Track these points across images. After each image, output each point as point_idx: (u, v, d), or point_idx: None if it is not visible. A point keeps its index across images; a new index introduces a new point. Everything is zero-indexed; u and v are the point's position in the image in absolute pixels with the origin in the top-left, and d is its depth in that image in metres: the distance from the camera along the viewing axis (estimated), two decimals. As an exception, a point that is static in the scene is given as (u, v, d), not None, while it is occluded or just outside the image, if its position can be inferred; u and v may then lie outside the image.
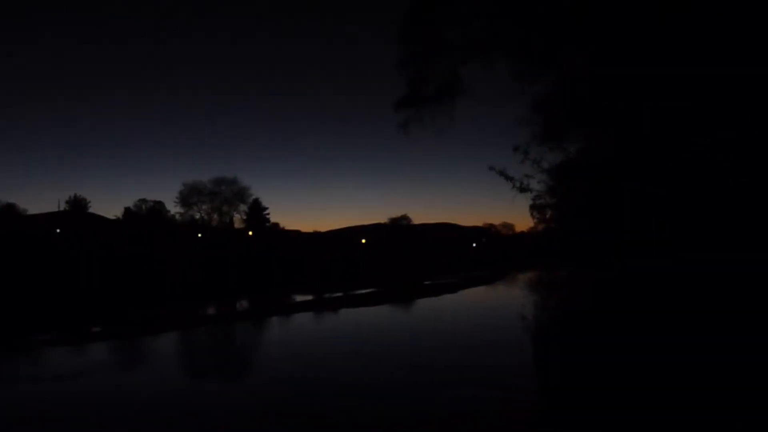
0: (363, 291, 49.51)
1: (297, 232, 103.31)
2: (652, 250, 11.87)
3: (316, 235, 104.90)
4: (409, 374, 18.02)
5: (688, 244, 10.78)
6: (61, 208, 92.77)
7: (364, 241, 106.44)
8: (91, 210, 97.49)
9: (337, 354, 21.75)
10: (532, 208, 21.11)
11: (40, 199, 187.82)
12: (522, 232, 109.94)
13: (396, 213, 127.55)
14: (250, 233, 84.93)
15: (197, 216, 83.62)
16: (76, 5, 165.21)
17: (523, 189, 15.41)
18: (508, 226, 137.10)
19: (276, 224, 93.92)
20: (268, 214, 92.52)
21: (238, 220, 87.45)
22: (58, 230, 71.17)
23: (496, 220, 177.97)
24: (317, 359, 20.85)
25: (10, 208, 71.39)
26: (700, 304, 9.88)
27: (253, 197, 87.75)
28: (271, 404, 15.16)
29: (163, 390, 17.15)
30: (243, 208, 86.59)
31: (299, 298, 44.97)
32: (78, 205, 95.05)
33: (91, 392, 17.05)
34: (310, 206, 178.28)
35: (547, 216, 22.09)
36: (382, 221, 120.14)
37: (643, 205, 12.20)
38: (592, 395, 11.40)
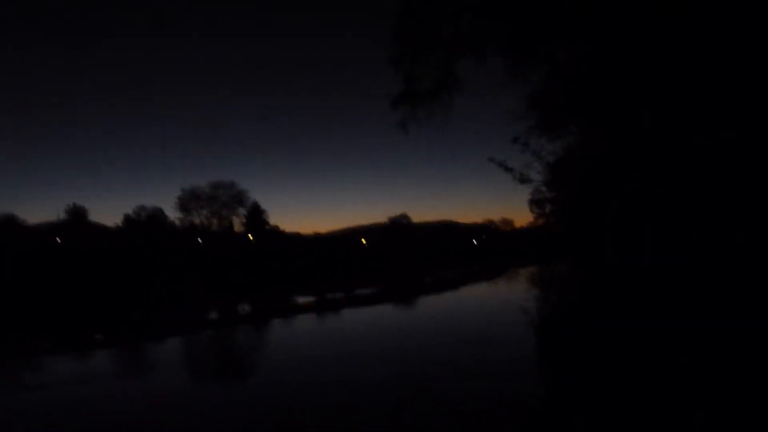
0: (365, 291, 49.55)
1: (297, 235, 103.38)
2: (650, 243, 11.92)
3: (316, 237, 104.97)
4: (418, 371, 18.02)
5: (687, 238, 10.84)
6: (61, 218, 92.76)
7: (364, 241, 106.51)
8: (90, 218, 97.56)
9: (343, 354, 21.76)
10: (532, 202, 21.13)
11: (39, 209, 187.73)
12: (522, 228, 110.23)
13: (395, 212, 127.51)
14: (250, 236, 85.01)
15: (197, 221, 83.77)
16: (71, 13, 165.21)
17: (523, 180, 15.45)
18: (508, 222, 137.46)
19: (275, 227, 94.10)
20: (267, 217, 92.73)
21: (237, 223, 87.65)
22: (58, 239, 71.20)
23: (495, 216, 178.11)
24: (324, 360, 20.87)
25: (10, 219, 71.38)
26: (700, 297, 9.92)
27: (252, 200, 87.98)
28: (280, 406, 15.17)
29: (169, 394, 17.17)
30: (242, 211, 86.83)
31: (301, 299, 44.99)
32: (77, 214, 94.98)
33: (96, 398, 17.05)
34: (310, 208, 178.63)
35: (547, 210, 22.10)
36: (382, 221, 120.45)
37: (639, 197, 12.26)
38: (595, 390, 11.45)
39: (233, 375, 20.86)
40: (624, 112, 11.55)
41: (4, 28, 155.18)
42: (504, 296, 42.48)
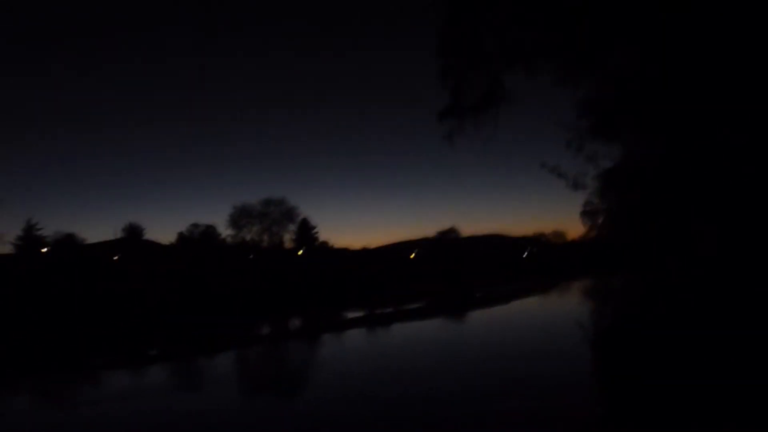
0: (414, 305, 49.28)
1: (346, 250, 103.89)
2: (708, 251, 11.52)
3: (365, 252, 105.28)
4: (469, 386, 17.75)
5: (746, 246, 10.43)
6: (118, 236, 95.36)
7: (413, 255, 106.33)
8: (146, 236, 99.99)
9: (394, 369, 21.63)
10: (583, 214, 20.69)
11: (97, 228, 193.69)
12: (573, 240, 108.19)
13: (444, 226, 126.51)
14: (300, 252, 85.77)
15: (248, 237, 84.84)
16: (128, 34, 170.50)
17: (576, 186, 15.18)
18: (560, 234, 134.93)
19: (325, 242, 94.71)
20: (317, 232, 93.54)
21: (287, 239, 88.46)
22: (115, 257, 73.21)
23: (546, 228, 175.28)
24: (374, 375, 20.78)
25: (70, 237, 73.56)
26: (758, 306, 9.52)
27: (302, 217, 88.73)
28: (330, 421, 15.15)
29: (221, 410, 17.31)
30: (292, 227, 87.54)
31: (351, 314, 45.01)
32: (133, 232, 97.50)
33: (149, 412, 17.30)
34: (359, 223, 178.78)
35: (599, 222, 21.60)
36: (431, 235, 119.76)
37: (696, 206, 11.88)
38: (654, 404, 11.09)
39: (284, 390, 20.94)
40: (684, 118, 11.20)
41: (67, 50, 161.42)
42: (556, 309, 41.72)
